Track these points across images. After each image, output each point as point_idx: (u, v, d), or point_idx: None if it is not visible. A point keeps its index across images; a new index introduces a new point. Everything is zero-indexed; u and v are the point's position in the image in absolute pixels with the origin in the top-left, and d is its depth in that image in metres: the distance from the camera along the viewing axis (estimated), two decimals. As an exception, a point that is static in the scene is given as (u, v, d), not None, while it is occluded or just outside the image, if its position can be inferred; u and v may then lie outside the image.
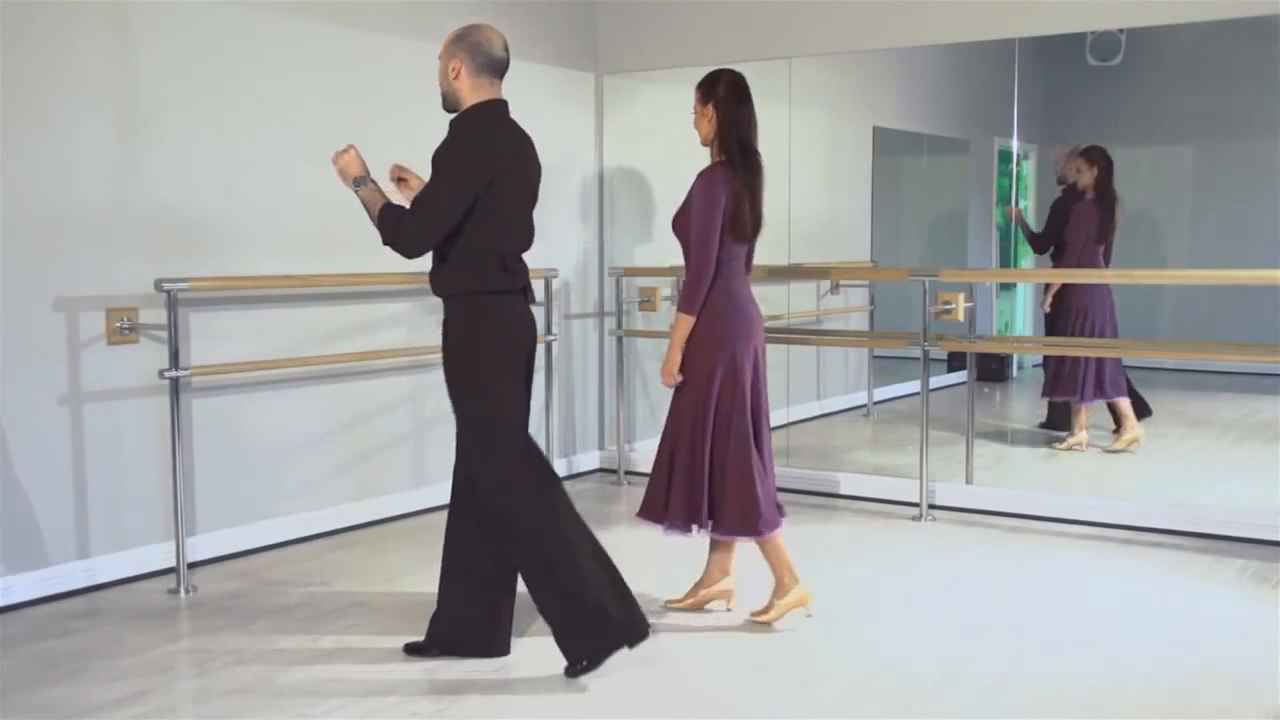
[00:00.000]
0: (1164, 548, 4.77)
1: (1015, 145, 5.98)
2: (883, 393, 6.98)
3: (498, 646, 3.57)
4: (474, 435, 3.45)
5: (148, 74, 4.35)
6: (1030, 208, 7.00)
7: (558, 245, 6.00)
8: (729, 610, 4.01)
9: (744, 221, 3.82)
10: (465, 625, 3.56)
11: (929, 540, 4.96)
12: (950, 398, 6.00)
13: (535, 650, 3.65)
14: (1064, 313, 6.26)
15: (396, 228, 3.42)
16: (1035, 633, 3.77)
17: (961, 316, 5.36)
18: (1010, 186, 6.64)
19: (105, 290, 4.24)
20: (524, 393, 3.50)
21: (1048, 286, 6.38)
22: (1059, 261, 6.26)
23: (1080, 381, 6.13)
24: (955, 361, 5.96)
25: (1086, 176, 6.21)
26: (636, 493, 5.86)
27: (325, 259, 4.96)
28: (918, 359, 5.33)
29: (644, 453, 6.33)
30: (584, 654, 3.36)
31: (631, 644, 3.36)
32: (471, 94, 3.49)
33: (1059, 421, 6.46)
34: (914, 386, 5.50)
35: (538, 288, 5.74)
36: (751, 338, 3.87)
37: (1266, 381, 6.74)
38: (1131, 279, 5.80)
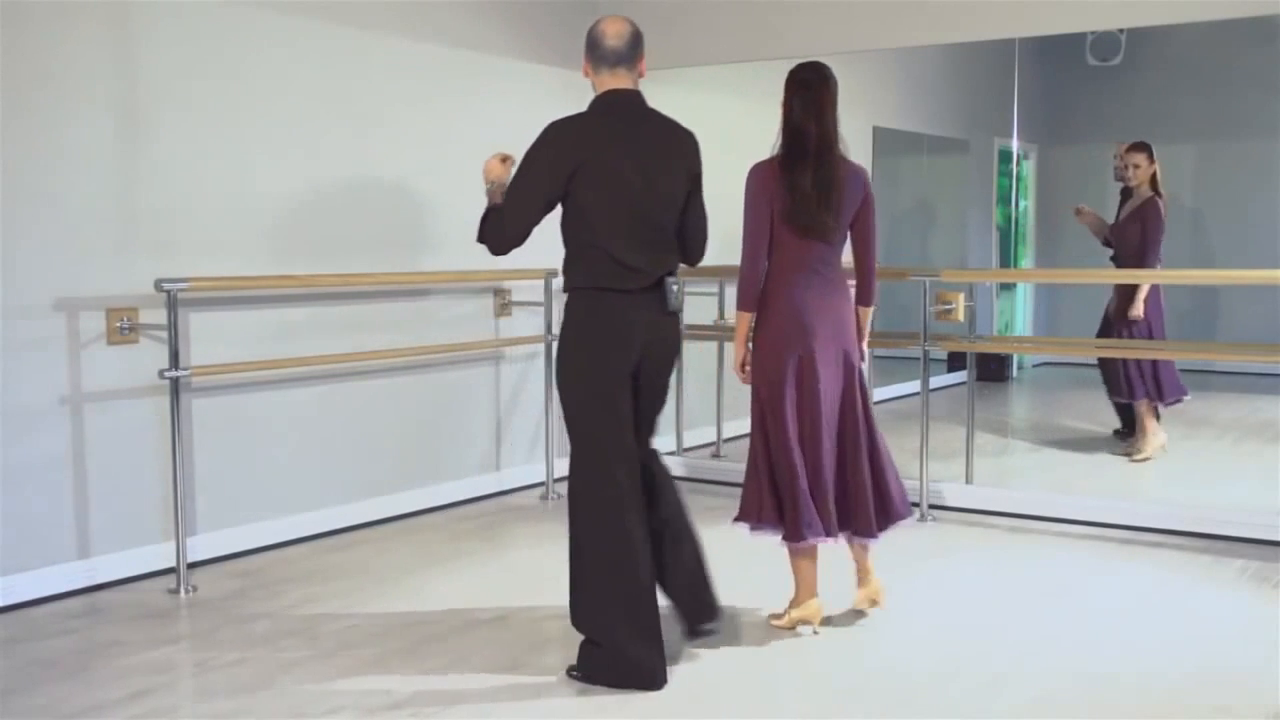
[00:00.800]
0: (1164, 548, 4.77)
1: (1015, 145, 5.99)
2: (883, 393, 6.97)
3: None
4: (569, 434, 3.40)
5: (148, 74, 4.35)
6: (1030, 208, 7.01)
7: (558, 245, 5.99)
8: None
9: (793, 218, 3.65)
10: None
11: (929, 540, 4.96)
12: (950, 398, 6.00)
13: (537, 649, 3.65)
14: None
15: (480, 226, 3.40)
16: (1035, 633, 3.77)
17: (961, 316, 5.36)
18: (1010, 186, 6.64)
19: (105, 290, 4.24)
20: (617, 403, 3.30)
21: (1123, 292, 6.02)
22: (1141, 264, 5.90)
23: (1138, 381, 5.98)
24: (955, 362, 5.95)
25: (1146, 172, 5.98)
26: (636, 493, 5.86)
27: (325, 259, 4.96)
28: (917, 359, 5.33)
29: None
30: (585, 670, 3.35)
31: (642, 687, 3.27)
32: (598, 88, 3.43)
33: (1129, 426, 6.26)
34: (914, 386, 5.50)
35: (537, 287, 5.77)
36: (797, 343, 3.66)
37: (1266, 381, 6.74)
38: (1131, 279, 5.81)
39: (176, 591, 4.20)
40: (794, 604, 3.83)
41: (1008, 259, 6.84)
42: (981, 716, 3.13)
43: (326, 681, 3.36)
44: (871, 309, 3.87)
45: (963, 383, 5.66)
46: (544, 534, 5.07)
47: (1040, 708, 3.18)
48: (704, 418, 6.65)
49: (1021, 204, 6.86)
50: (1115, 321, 6.02)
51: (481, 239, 3.42)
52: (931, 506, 5.31)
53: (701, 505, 5.56)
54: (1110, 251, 6.14)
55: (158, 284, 4.22)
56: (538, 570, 4.52)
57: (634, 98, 3.41)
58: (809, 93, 3.72)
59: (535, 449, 6.01)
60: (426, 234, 5.41)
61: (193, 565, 4.39)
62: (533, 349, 5.96)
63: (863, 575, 3.92)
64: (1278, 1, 4.71)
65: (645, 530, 3.33)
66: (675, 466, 6.17)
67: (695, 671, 3.47)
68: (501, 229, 3.36)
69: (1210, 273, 5.37)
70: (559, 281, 5.91)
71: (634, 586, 3.27)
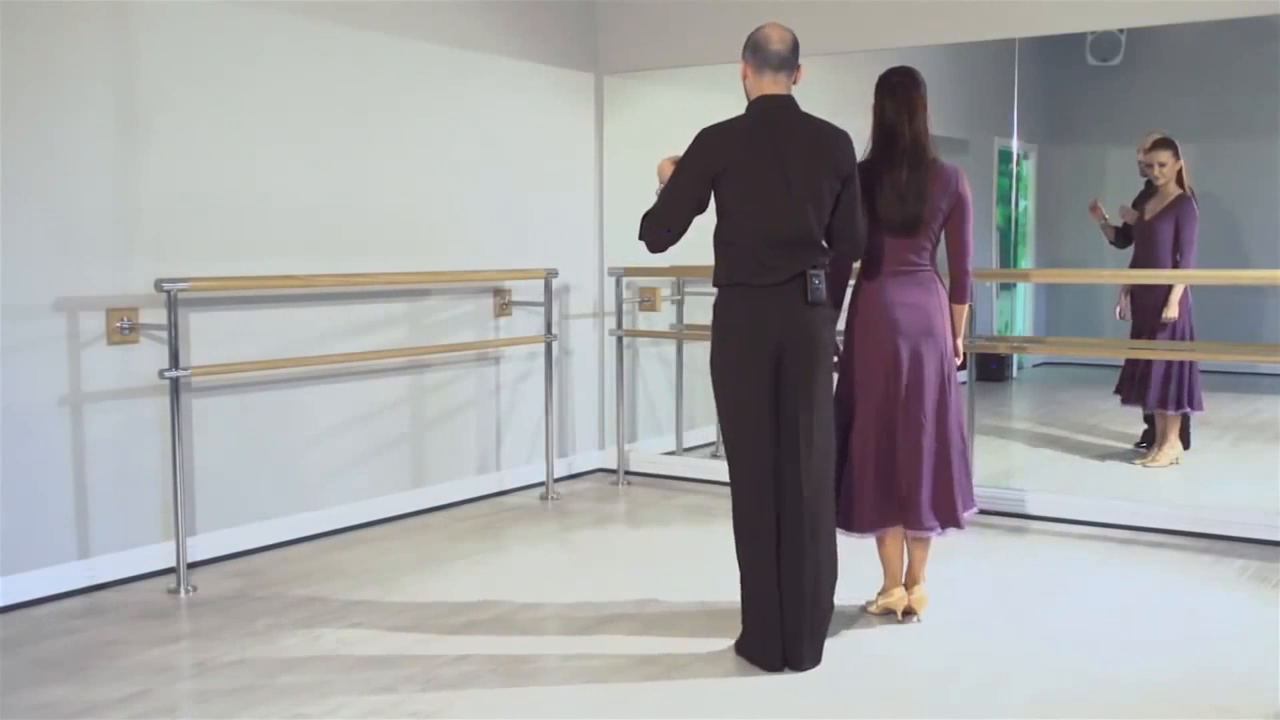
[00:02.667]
0: (1164, 548, 4.77)
1: (1015, 145, 5.98)
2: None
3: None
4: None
5: (148, 74, 4.35)
6: (1030, 208, 7.01)
7: (558, 245, 6.01)
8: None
9: (886, 216, 3.77)
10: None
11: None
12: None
13: (537, 649, 3.65)
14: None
15: (640, 224, 3.61)
16: (1035, 633, 3.77)
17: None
18: (1010, 186, 6.63)
19: (105, 290, 4.24)
20: (758, 399, 3.42)
21: (1155, 293, 5.89)
22: (1178, 264, 5.79)
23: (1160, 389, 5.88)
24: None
25: (1172, 169, 5.85)
26: (635, 492, 5.87)
27: (325, 259, 4.96)
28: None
29: (643, 453, 6.33)
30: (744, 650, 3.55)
31: (769, 667, 3.45)
32: (754, 91, 3.56)
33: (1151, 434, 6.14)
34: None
35: (537, 287, 5.77)
36: (875, 336, 3.78)
37: (1266, 381, 6.74)
38: (1131, 279, 5.81)
39: (176, 591, 4.20)
40: (881, 592, 3.99)
41: (1008, 259, 6.83)
42: (981, 716, 3.13)
43: (326, 681, 3.36)
44: (966, 306, 3.95)
45: (963, 383, 5.66)
46: (544, 534, 5.08)
47: (1040, 708, 3.18)
48: (704, 417, 6.65)
49: (1021, 204, 6.86)
50: (1150, 323, 5.86)
51: (641, 236, 3.63)
52: (931, 506, 5.30)
53: (702, 506, 5.57)
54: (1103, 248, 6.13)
55: (158, 284, 4.22)
56: (538, 570, 4.52)
57: (785, 102, 3.55)
58: (889, 94, 3.89)
59: (535, 449, 6.01)
60: (427, 234, 5.41)
61: (193, 565, 4.39)
62: (533, 349, 5.96)
63: (909, 577, 3.97)
64: (1278, 2, 4.71)
65: (772, 527, 3.46)
66: (675, 466, 6.20)
67: (694, 671, 3.47)
68: (645, 229, 3.59)
69: (1211, 273, 5.36)
70: (559, 281, 5.96)
71: (750, 576, 3.51)
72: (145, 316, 4.32)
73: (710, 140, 3.50)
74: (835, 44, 5.69)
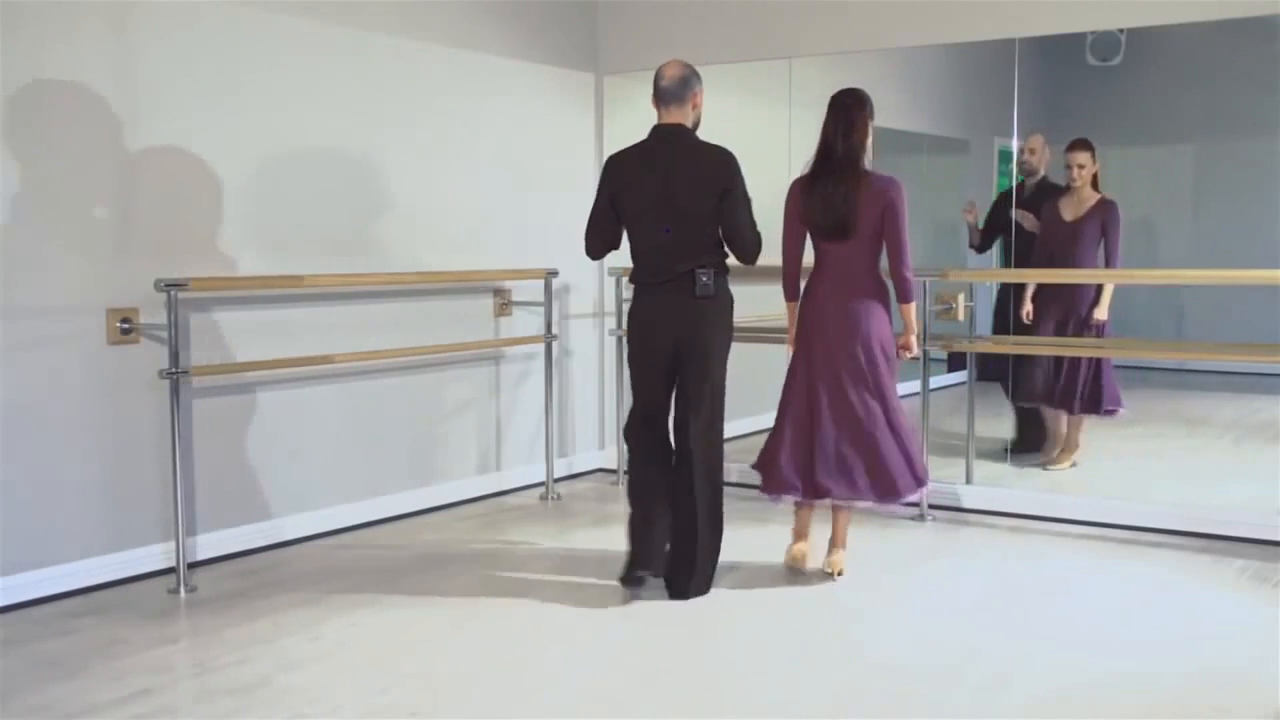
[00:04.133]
0: (1164, 548, 4.77)
1: (1015, 145, 5.98)
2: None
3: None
4: None
5: (147, 74, 4.35)
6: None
7: (558, 245, 6.00)
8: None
9: (814, 223, 4.28)
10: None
11: (929, 540, 4.97)
12: (950, 398, 6.00)
13: (538, 649, 3.65)
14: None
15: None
16: (1035, 633, 3.77)
17: (961, 316, 5.35)
18: (1010, 186, 6.64)
19: (105, 290, 4.24)
20: (643, 375, 4.19)
21: (1081, 294, 5.95)
22: (1102, 266, 5.87)
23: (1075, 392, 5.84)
24: (955, 361, 5.95)
25: (1090, 171, 5.89)
26: (636, 493, 5.86)
27: (325, 259, 4.96)
28: (917, 359, 5.33)
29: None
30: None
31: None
32: (659, 120, 4.17)
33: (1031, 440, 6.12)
34: (914, 386, 5.50)
35: (537, 287, 5.77)
36: (807, 332, 4.32)
37: (1266, 381, 6.74)
38: (1131, 279, 5.80)
39: (176, 591, 4.20)
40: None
41: (1008, 259, 6.82)
42: (981, 716, 3.13)
43: (326, 681, 3.36)
44: (912, 305, 4.32)
45: (963, 383, 5.66)
46: (544, 534, 5.08)
47: (1040, 708, 3.18)
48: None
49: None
50: (1070, 323, 5.83)
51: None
52: (931, 506, 5.31)
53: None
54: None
55: (158, 284, 4.22)
56: (538, 570, 4.52)
57: (674, 130, 4.12)
58: (830, 111, 4.33)
59: (535, 449, 6.01)
60: (427, 234, 5.41)
61: (193, 565, 4.39)
62: (533, 349, 5.96)
63: (830, 540, 4.45)
64: (1278, 2, 4.71)
65: (657, 476, 4.19)
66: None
67: (694, 671, 3.47)
68: (588, 244, 4.30)
69: (1210, 273, 5.35)
70: (559, 281, 5.95)
71: (633, 510, 4.21)
72: (145, 316, 4.32)
73: (609, 167, 4.20)
74: (835, 44, 5.69)
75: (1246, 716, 3.11)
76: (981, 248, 6.14)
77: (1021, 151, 6.12)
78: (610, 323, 6.27)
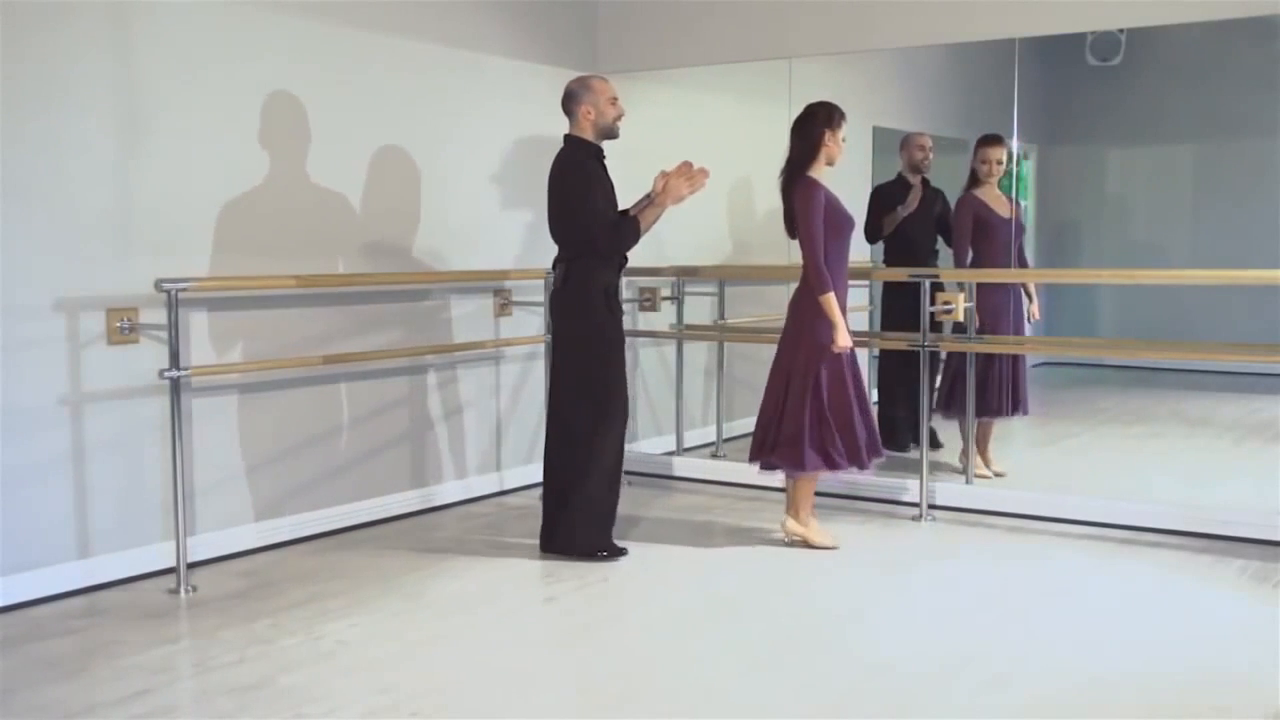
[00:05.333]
0: (1164, 548, 4.77)
1: (1015, 145, 5.98)
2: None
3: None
4: None
5: (147, 74, 4.35)
6: (1030, 208, 7.01)
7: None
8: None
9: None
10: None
11: (929, 540, 4.97)
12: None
13: (537, 649, 3.65)
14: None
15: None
16: (1035, 633, 3.77)
17: (961, 316, 5.35)
18: (1010, 186, 6.64)
19: (105, 290, 4.24)
20: (552, 359, 4.82)
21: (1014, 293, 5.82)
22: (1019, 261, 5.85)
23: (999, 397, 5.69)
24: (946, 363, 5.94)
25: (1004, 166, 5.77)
26: (637, 492, 5.86)
27: (325, 259, 4.96)
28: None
29: (643, 453, 6.33)
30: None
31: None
32: None
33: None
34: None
35: (537, 287, 5.78)
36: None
37: (1266, 381, 6.75)
38: (1131, 279, 5.80)
39: (176, 591, 4.20)
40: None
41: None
42: (981, 716, 3.13)
43: (326, 681, 3.36)
44: (824, 296, 4.55)
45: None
46: (544, 534, 5.07)
47: (1040, 708, 3.18)
48: (704, 418, 6.66)
49: (1021, 204, 6.86)
50: (1001, 326, 5.67)
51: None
52: (931, 506, 5.31)
53: (702, 505, 5.57)
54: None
55: (158, 284, 4.22)
56: (538, 570, 4.52)
57: (565, 139, 4.63)
58: (802, 125, 4.71)
59: (535, 449, 6.00)
60: (427, 234, 5.41)
61: (193, 565, 4.39)
62: (533, 349, 5.96)
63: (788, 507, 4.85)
64: (1278, 2, 4.71)
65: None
66: (675, 466, 6.20)
67: (695, 670, 3.47)
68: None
69: (1210, 273, 5.36)
70: (559, 281, 5.95)
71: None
72: (145, 316, 4.32)
73: None
74: (835, 44, 5.69)
75: (1246, 716, 3.11)
76: (876, 239, 6.14)
77: (919, 149, 6.08)
78: (610, 323, 6.26)
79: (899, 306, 5.98)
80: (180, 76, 4.44)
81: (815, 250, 4.56)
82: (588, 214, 4.50)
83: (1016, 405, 5.76)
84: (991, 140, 5.76)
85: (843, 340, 4.57)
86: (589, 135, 4.57)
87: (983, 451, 5.79)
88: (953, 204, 5.96)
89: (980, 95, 6.39)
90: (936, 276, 5.38)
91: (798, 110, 4.81)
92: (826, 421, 4.63)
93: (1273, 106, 6.06)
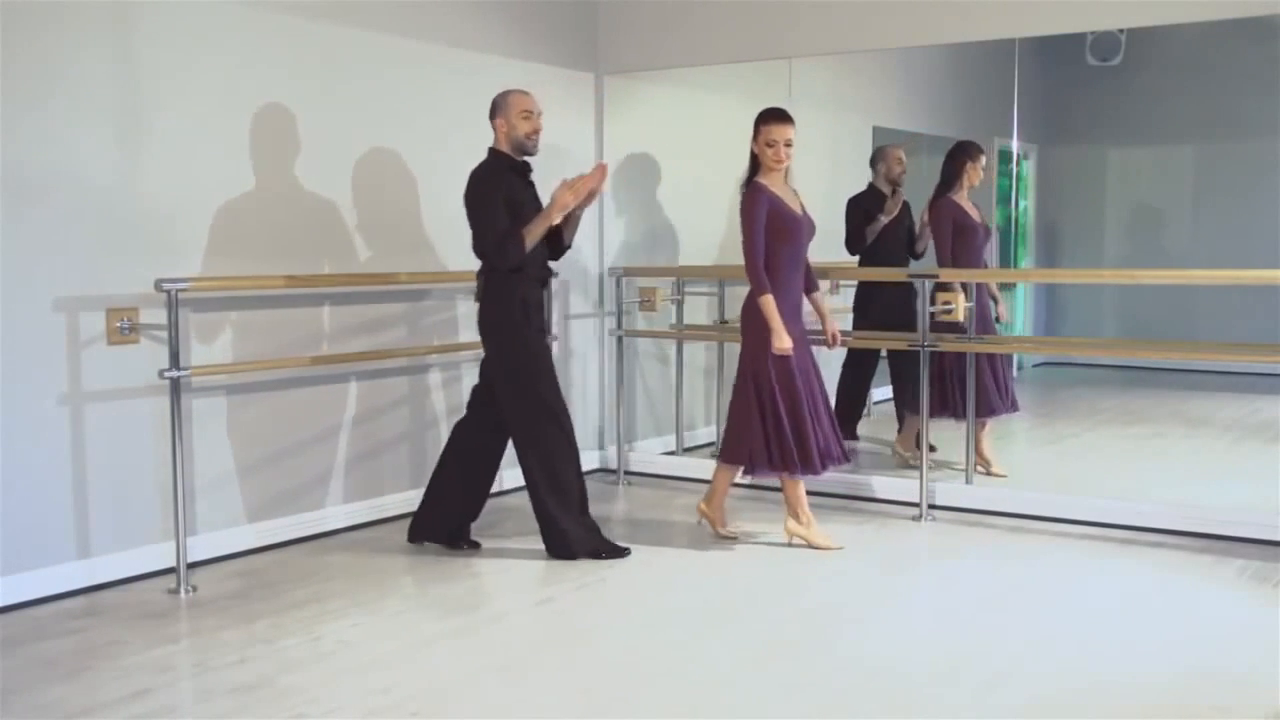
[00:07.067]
0: (1164, 548, 4.77)
1: (1015, 145, 5.98)
2: (882, 393, 6.98)
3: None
4: None
5: (148, 74, 4.35)
6: (1030, 208, 7.01)
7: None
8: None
9: None
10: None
11: (929, 540, 4.97)
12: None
13: (537, 649, 3.65)
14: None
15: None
16: (1035, 633, 3.77)
17: (961, 316, 5.35)
18: (1010, 186, 6.63)
19: (105, 290, 4.24)
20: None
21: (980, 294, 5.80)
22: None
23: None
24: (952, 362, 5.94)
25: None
26: (636, 492, 5.87)
27: (325, 259, 4.96)
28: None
29: (644, 453, 6.33)
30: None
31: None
32: None
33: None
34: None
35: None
36: None
37: (1266, 381, 6.74)
38: (1132, 279, 5.80)
39: (176, 591, 4.20)
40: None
41: (1007, 259, 6.83)
42: (981, 716, 3.13)
43: (326, 681, 3.36)
44: (760, 299, 4.63)
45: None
46: (544, 534, 5.07)
47: (1040, 708, 3.18)
48: (704, 418, 6.66)
49: (1021, 204, 6.86)
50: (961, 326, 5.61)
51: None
52: (931, 506, 5.31)
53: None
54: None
55: (158, 284, 4.22)
56: (538, 570, 4.52)
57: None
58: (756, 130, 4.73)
59: (535, 449, 6.00)
60: (427, 234, 5.41)
61: (193, 565, 4.39)
62: (533, 349, 5.95)
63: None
64: (1278, 2, 4.71)
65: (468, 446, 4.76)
66: (675, 466, 6.20)
67: (694, 671, 3.47)
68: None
69: (1210, 273, 5.36)
70: (557, 281, 5.95)
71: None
72: (145, 316, 4.32)
73: None
74: (835, 44, 5.69)
75: (1246, 716, 3.11)
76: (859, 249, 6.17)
77: (897, 163, 6.13)
78: (610, 322, 6.27)
79: (875, 308, 6.06)
80: (180, 76, 4.44)
81: (750, 254, 4.62)
82: (478, 225, 4.51)
83: (995, 408, 5.76)
84: (979, 149, 5.84)
85: (778, 343, 4.57)
86: (504, 148, 4.60)
87: (980, 452, 5.78)
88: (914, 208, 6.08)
89: (980, 95, 6.39)
90: (937, 276, 5.38)
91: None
92: (779, 425, 4.65)
93: (1273, 106, 6.06)
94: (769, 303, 4.60)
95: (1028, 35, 5.32)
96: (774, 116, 4.70)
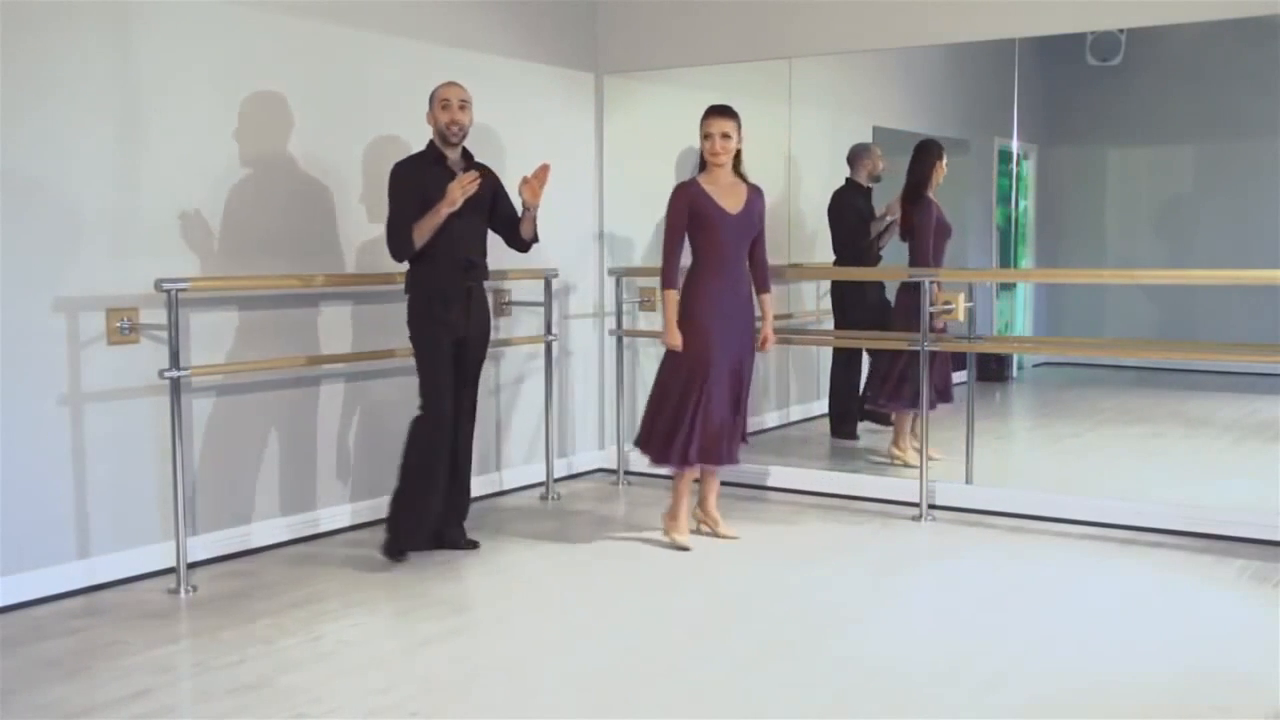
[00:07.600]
0: (1164, 548, 4.77)
1: (1015, 145, 5.98)
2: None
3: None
4: None
5: (148, 74, 4.35)
6: (1030, 208, 7.01)
7: (558, 245, 6.00)
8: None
9: None
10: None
11: (929, 540, 4.97)
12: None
13: (536, 649, 3.65)
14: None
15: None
16: (1035, 633, 3.77)
17: (961, 316, 5.35)
18: (1010, 186, 6.64)
19: (105, 290, 4.24)
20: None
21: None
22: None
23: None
24: (955, 361, 5.95)
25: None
26: (635, 492, 5.87)
27: (325, 259, 4.96)
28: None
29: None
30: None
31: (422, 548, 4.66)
32: None
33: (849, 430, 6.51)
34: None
35: (537, 287, 5.78)
36: None
37: (1266, 381, 6.74)
38: (1132, 279, 5.80)
39: (176, 591, 4.20)
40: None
41: (1008, 259, 6.83)
42: (980, 716, 3.13)
43: (326, 681, 3.36)
44: (664, 294, 4.79)
45: (963, 383, 5.66)
46: (543, 533, 5.07)
47: (1040, 708, 3.18)
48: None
49: (1021, 204, 6.86)
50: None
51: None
52: (931, 506, 5.31)
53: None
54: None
55: (158, 284, 4.22)
56: (538, 570, 4.52)
57: None
58: None
59: (535, 449, 6.01)
60: (426, 234, 5.40)
61: (193, 565, 4.39)
62: (533, 349, 5.96)
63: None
64: (1278, 2, 4.71)
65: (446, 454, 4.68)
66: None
67: (694, 671, 3.47)
68: None
69: (1210, 273, 5.36)
70: (559, 281, 5.96)
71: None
72: (145, 316, 4.32)
73: None
74: (835, 44, 5.69)
75: (1246, 716, 3.11)
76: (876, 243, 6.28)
77: (879, 160, 6.24)
78: (610, 322, 6.27)
79: (859, 307, 6.16)
80: (179, 77, 4.44)
81: (663, 248, 4.77)
82: (390, 223, 4.56)
83: (940, 397, 5.81)
84: (943, 148, 5.98)
85: (668, 338, 4.74)
86: (433, 139, 4.64)
87: (900, 439, 6.02)
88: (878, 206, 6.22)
89: (980, 95, 6.39)
90: (936, 276, 5.38)
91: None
92: (660, 414, 4.80)
93: (1273, 106, 6.06)
94: (669, 298, 4.76)
95: (1028, 35, 5.32)
96: (711, 110, 4.79)
